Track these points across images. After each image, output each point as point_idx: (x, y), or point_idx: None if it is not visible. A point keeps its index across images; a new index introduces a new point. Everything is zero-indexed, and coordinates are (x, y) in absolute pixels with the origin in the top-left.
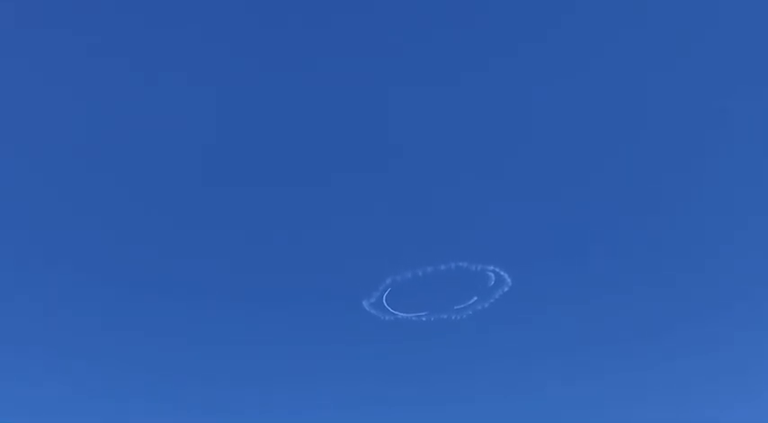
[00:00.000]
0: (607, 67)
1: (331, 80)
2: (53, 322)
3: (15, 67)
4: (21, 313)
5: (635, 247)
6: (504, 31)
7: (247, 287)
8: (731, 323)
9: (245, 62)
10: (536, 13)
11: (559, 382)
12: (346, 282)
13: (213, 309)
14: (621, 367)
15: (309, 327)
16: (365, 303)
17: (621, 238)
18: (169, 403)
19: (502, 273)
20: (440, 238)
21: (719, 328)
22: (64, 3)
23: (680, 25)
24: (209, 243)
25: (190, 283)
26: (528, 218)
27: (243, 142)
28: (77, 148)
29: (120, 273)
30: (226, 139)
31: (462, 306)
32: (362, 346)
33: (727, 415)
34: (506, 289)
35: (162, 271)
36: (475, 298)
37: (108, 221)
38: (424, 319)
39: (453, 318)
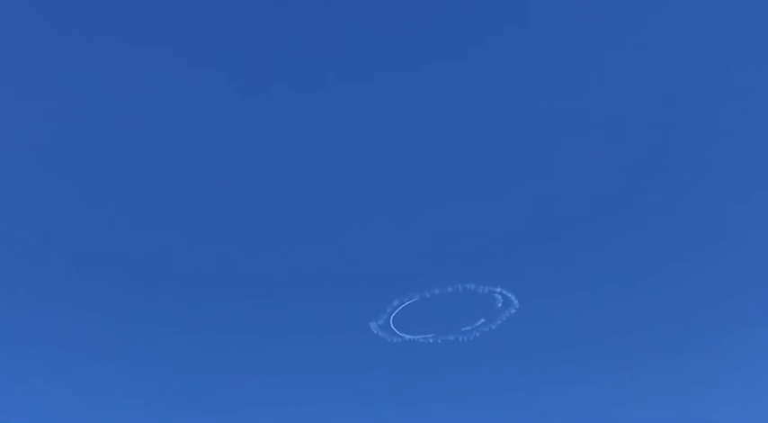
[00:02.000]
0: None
1: (334, 94)
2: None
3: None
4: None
5: (644, 265)
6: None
7: (253, 306)
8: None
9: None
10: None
11: (568, 400)
12: (354, 303)
13: (219, 330)
14: (633, 385)
15: (317, 349)
16: (373, 325)
17: (629, 255)
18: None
19: (509, 294)
20: (447, 259)
21: (734, 334)
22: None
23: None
24: (215, 267)
25: (191, 308)
26: (535, 239)
27: (248, 166)
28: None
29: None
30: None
31: (470, 328)
32: (370, 368)
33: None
34: (513, 311)
35: (163, 275)
36: (482, 320)
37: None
38: (431, 340)
39: (461, 339)
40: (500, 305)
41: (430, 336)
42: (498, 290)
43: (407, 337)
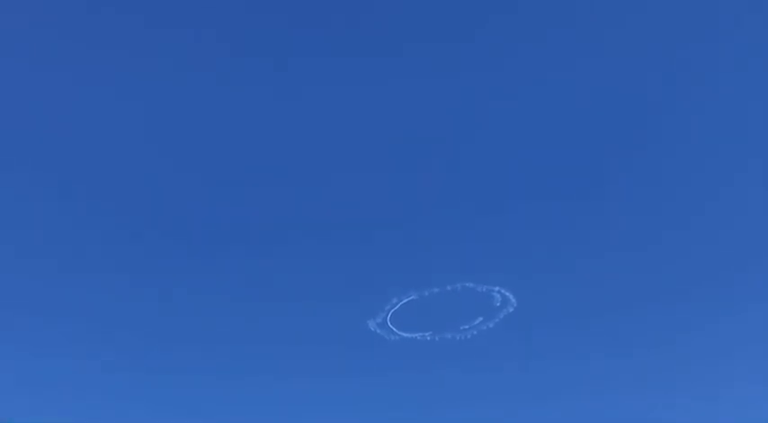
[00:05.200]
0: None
1: (332, 92)
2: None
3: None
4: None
5: (645, 263)
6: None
7: (251, 304)
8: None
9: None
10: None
11: (566, 399)
12: (352, 301)
13: (216, 328)
14: (633, 383)
15: (315, 347)
16: (371, 323)
17: (629, 254)
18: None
19: (507, 293)
20: (445, 258)
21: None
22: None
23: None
24: (212, 267)
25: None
26: (534, 239)
27: (248, 170)
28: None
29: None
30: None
31: (467, 326)
32: (368, 366)
33: None
34: (511, 309)
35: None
36: (480, 318)
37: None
38: (429, 339)
39: (458, 338)
40: (498, 304)
41: (428, 334)
42: (497, 289)
43: (405, 335)
